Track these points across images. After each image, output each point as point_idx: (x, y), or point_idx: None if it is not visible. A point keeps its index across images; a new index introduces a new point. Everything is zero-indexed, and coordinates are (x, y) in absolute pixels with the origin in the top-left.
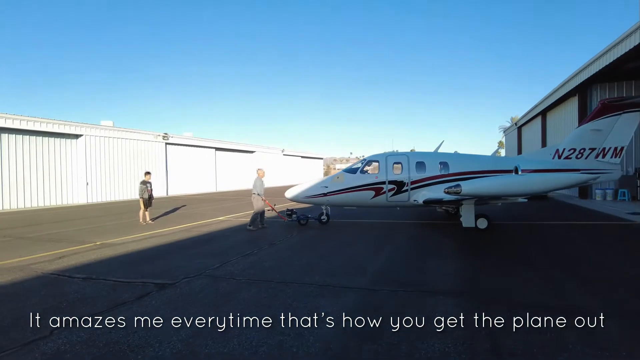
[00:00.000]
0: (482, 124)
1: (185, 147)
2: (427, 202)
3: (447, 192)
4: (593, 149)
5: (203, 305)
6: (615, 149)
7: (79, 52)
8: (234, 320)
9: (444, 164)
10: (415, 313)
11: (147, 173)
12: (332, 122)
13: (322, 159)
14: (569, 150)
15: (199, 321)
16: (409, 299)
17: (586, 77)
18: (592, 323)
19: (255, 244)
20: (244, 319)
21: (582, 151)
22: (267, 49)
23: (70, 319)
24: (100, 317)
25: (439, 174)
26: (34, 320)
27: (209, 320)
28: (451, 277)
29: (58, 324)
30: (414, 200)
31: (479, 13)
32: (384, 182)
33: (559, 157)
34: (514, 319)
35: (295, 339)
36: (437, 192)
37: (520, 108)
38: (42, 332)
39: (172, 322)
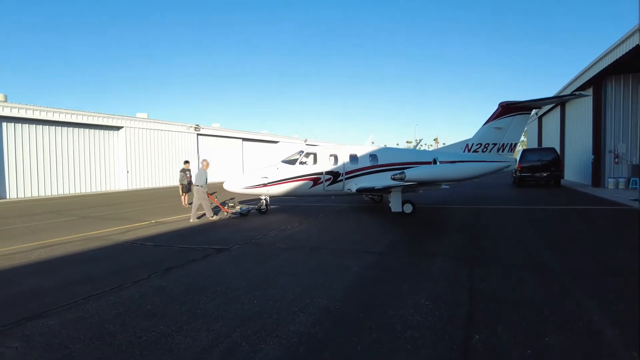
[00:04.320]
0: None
1: (214, 137)
2: (360, 191)
3: (394, 179)
4: (495, 144)
5: (255, 261)
6: (511, 144)
7: (107, 49)
8: (279, 271)
9: (374, 157)
10: (417, 268)
11: (186, 162)
12: (352, 110)
13: None
14: (477, 145)
15: (254, 270)
16: (414, 260)
17: (600, 70)
18: (548, 274)
19: (287, 222)
20: (287, 269)
21: (487, 146)
22: (287, 43)
23: (158, 269)
24: (179, 269)
25: (370, 165)
26: (130, 269)
27: (261, 270)
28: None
29: (151, 272)
30: (348, 189)
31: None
32: (321, 173)
33: (469, 150)
34: (492, 272)
35: (326, 282)
36: (367, 181)
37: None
38: (142, 276)
39: (235, 270)
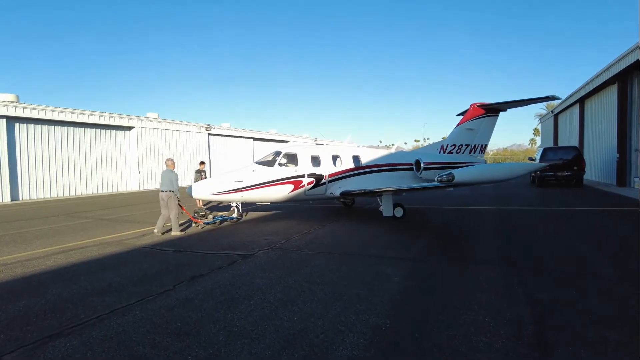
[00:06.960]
0: (517, 110)
1: (225, 137)
2: (344, 194)
3: (440, 180)
4: (468, 145)
5: (285, 269)
6: (482, 146)
7: (115, 49)
8: (313, 280)
9: (357, 158)
10: (460, 276)
11: (202, 162)
12: (359, 107)
13: None
14: (451, 146)
15: (286, 279)
16: (454, 266)
17: (627, 65)
18: (607, 282)
19: (309, 225)
20: (321, 279)
21: (460, 147)
22: (296, 44)
23: (183, 278)
24: (205, 277)
25: (353, 167)
26: (153, 278)
27: (293, 279)
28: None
29: (175, 282)
30: (330, 193)
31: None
32: (303, 176)
33: (444, 151)
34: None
35: (367, 294)
36: (352, 184)
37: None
38: (167, 286)
39: (265, 280)
